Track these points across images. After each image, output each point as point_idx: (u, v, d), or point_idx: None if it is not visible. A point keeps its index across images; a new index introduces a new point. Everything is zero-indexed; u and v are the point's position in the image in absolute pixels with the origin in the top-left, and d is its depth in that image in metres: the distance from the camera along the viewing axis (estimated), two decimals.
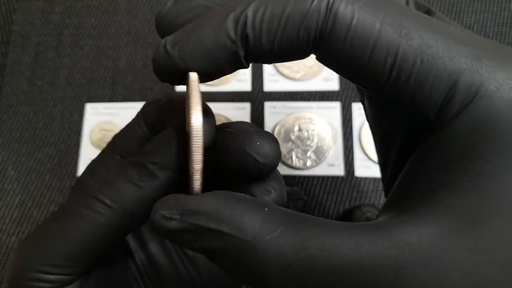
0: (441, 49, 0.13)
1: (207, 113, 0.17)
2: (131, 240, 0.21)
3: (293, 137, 0.38)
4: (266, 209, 0.14)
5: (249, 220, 0.13)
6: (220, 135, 0.17)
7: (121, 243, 0.21)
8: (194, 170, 0.15)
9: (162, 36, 0.16)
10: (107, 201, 0.16)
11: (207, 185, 0.16)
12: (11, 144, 0.40)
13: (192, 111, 0.14)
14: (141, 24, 0.43)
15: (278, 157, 0.17)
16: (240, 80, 0.41)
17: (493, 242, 0.12)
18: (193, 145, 0.15)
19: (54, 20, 0.44)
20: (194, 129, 0.14)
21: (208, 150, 0.16)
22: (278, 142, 0.17)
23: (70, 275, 0.17)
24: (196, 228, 0.14)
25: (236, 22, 0.14)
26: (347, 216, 0.37)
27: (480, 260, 0.12)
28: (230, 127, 0.17)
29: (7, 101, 0.41)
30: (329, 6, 0.14)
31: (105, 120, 0.40)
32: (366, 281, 0.13)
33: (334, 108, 0.39)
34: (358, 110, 0.39)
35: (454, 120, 0.14)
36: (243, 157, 0.16)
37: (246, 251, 0.13)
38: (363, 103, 0.20)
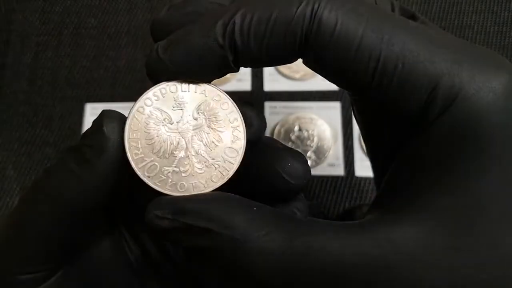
0: (422, 54, 0.14)
1: (250, 110, 0.17)
2: (127, 236, 0.21)
3: (293, 137, 0.38)
4: (255, 208, 0.14)
5: (238, 219, 0.14)
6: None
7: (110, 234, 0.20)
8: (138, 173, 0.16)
9: (157, 42, 0.16)
10: (48, 193, 0.16)
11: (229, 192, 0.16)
12: (11, 144, 0.40)
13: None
14: (141, 24, 0.43)
15: (308, 178, 0.17)
16: (240, 80, 0.41)
17: (476, 241, 0.13)
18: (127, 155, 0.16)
19: (54, 20, 0.44)
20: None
21: (250, 147, 0.17)
22: (307, 162, 0.17)
23: (40, 272, 0.17)
24: (186, 227, 0.14)
25: (224, 28, 0.15)
26: (347, 216, 0.37)
27: (463, 259, 0.13)
28: (266, 142, 0.17)
29: (7, 101, 0.41)
30: (314, 12, 0.14)
31: None
32: (350, 279, 0.13)
33: (334, 108, 0.39)
34: None
35: (436, 122, 0.14)
36: (273, 176, 0.16)
37: (234, 249, 0.14)
38: (352, 105, 0.20)
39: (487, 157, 0.13)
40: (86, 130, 0.16)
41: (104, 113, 0.16)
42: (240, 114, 0.17)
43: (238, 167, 0.16)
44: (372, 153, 0.19)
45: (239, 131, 0.16)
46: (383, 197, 0.16)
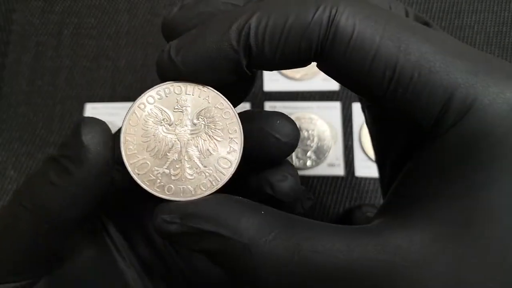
0: (438, 64, 0.14)
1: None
2: (119, 241, 0.20)
3: None
4: (262, 212, 0.14)
5: (246, 223, 0.14)
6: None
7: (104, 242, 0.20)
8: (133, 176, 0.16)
9: (168, 41, 0.16)
10: (28, 205, 0.15)
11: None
12: (11, 144, 0.40)
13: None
14: (141, 24, 0.43)
15: (298, 136, 0.16)
16: None
17: (483, 249, 0.13)
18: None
19: (53, 20, 0.44)
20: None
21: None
22: (295, 122, 0.17)
23: (22, 281, 0.16)
24: (195, 231, 0.14)
25: (239, 33, 0.14)
26: (348, 216, 0.37)
27: (469, 267, 0.13)
28: (246, 112, 0.17)
29: (7, 101, 0.41)
30: (331, 18, 0.14)
31: (105, 120, 0.40)
32: (356, 284, 0.13)
33: (334, 108, 0.39)
34: (358, 110, 0.39)
35: (449, 132, 0.14)
36: (264, 137, 0.16)
37: (243, 253, 0.14)
38: (363, 111, 0.20)
39: (499, 167, 0.13)
40: (65, 139, 0.15)
41: (81, 121, 0.15)
42: (241, 126, 0.16)
43: (229, 179, 0.16)
44: (381, 159, 0.19)
45: (236, 143, 0.16)
46: (391, 203, 0.16)
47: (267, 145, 0.16)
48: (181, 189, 0.16)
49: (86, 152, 0.15)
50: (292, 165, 0.18)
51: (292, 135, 0.16)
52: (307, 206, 0.18)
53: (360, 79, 0.14)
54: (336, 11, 0.14)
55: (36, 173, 0.16)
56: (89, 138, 0.15)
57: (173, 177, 0.16)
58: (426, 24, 0.17)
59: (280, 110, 0.42)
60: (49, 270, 0.18)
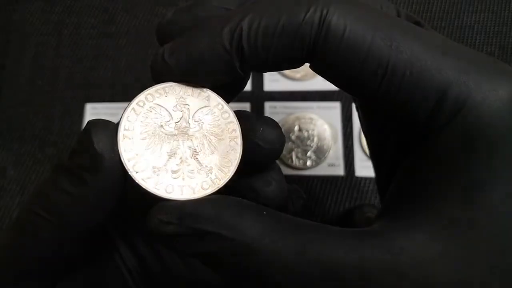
0: (430, 62, 0.14)
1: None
2: (121, 246, 0.20)
3: (293, 137, 0.38)
4: (265, 213, 0.14)
5: (249, 224, 0.14)
6: None
7: (108, 249, 0.20)
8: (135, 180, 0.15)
9: (162, 45, 0.16)
10: (44, 214, 0.15)
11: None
12: (11, 144, 0.40)
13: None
14: (141, 24, 0.43)
15: (282, 143, 0.16)
16: None
17: (484, 247, 0.13)
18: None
19: (53, 20, 0.44)
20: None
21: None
22: (280, 127, 0.16)
23: None
24: (194, 232, 0.14)
25: (231, 35, 0.15)
26: (348, 216, 0.37)
27: (472, 266, 0.13)
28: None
29: (7, 101, 0.41)
30: (322, 18, 0.14)
31: None
32: (362, 284, 0.13)
33: (334, 108, 0.39)
34: None
35: (442, 130, 0.14)
36: (247, 143, 0.16)
37: (246, 254, 0.13)
38: (357, 110, 0.20)
39: (494, 165, 0.13)
40: (75, 146, 0.15)
41: (91, 125, 0.15)
42: (239, 126, 0.16)
43: (230, 178, 0.16)
44: (376, 159, 0.19)
45: (236, 143, 0.16)
46: (392, 204, 0.16)
47: (250, 152, 0.16)
48: (181, 188, 0.15)
49: (101, 160, 0.14)
50: (278, 168, 0.17)
51: (276, 142, 0.16)
52: (298, 205, 0.18)
53: (353, 78, 0.14)
54: (328, 11, 0.14)
55: (48, 183, 0.15)
56: (102, 146, 0.14)
57: (173, 176, 0.15)
58: (418, 23, 0.17)
59: (280, 110, 0.42)
60: (61, 277, 0.18)
